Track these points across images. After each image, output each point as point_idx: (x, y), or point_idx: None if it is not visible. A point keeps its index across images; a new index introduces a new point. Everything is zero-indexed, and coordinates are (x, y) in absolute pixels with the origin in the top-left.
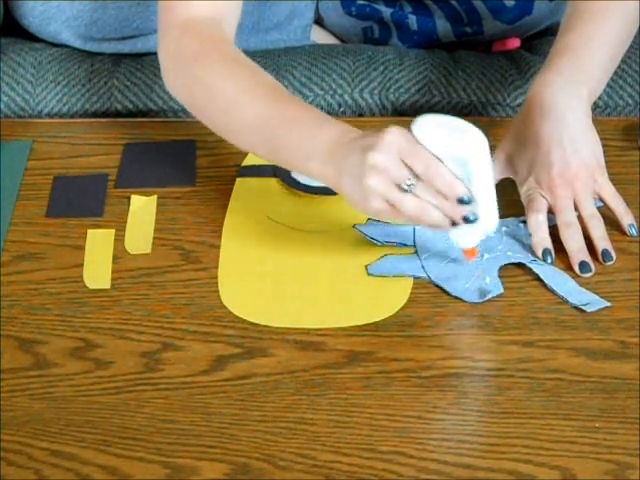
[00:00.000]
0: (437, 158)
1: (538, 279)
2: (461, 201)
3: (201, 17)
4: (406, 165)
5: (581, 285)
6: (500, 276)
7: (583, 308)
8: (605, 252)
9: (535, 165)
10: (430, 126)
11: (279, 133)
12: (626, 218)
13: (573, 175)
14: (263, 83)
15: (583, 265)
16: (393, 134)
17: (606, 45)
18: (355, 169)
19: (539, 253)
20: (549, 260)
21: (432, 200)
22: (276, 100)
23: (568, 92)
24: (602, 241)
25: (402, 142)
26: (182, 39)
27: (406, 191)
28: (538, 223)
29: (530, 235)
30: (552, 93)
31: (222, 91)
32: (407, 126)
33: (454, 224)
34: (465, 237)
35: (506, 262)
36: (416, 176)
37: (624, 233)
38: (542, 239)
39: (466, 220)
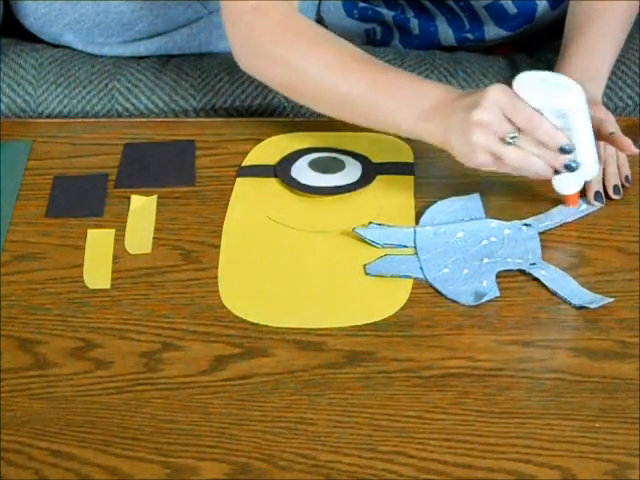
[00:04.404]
0: (538, 111)
1: (538, 279)
2: (562, 150)
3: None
4: (508, 119)
5: (582, 285)
6: (498, 276)
7: (587, 305)
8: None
9: None
10: (531, 82)
11: (379, 101)
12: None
13: None
14: (350, 55)
15: (616, 189)
16: (495, 91)
17: (615, 43)
18: (461, 126)
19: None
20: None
21: (534, 150)
22: (367, 69)
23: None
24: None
25: (504, 98)
26: (255, 21)
27: (509, 143)
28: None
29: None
30: None
31: (310, 70)
32: None
33: (556, 172)
34: (567, 184)
35: (505, 268)
36: (519, 129)
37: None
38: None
39: (568, 168)
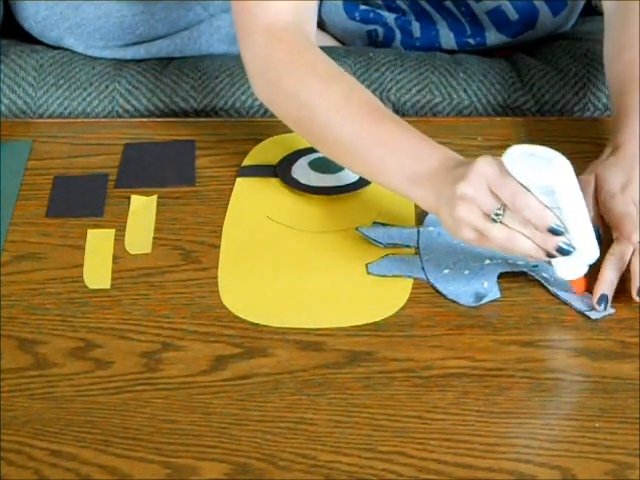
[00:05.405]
0: (525, 188)
1: (539, 280)
2: (552, 231)
3: (284, 21)
4: (495, 195)
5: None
6: (500, 276)
7: (588, 314)
8: None
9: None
10: (519, 156)
11: (378, 155)
12: None
13: None
14: (358, 99)
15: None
16: (481, 164)
17: None
18: (448, 199)
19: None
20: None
21: (522, 230)
22: (372, 118)
23: None
24: None
25: (490, 172)
26: (268, 46)
27: (495, 221)
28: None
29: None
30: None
31: (317, 108)
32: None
33: (550, 255)
34: (567, 268)
35: (507, 270)
36: (505, 206)
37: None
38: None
39: (561, 251)
